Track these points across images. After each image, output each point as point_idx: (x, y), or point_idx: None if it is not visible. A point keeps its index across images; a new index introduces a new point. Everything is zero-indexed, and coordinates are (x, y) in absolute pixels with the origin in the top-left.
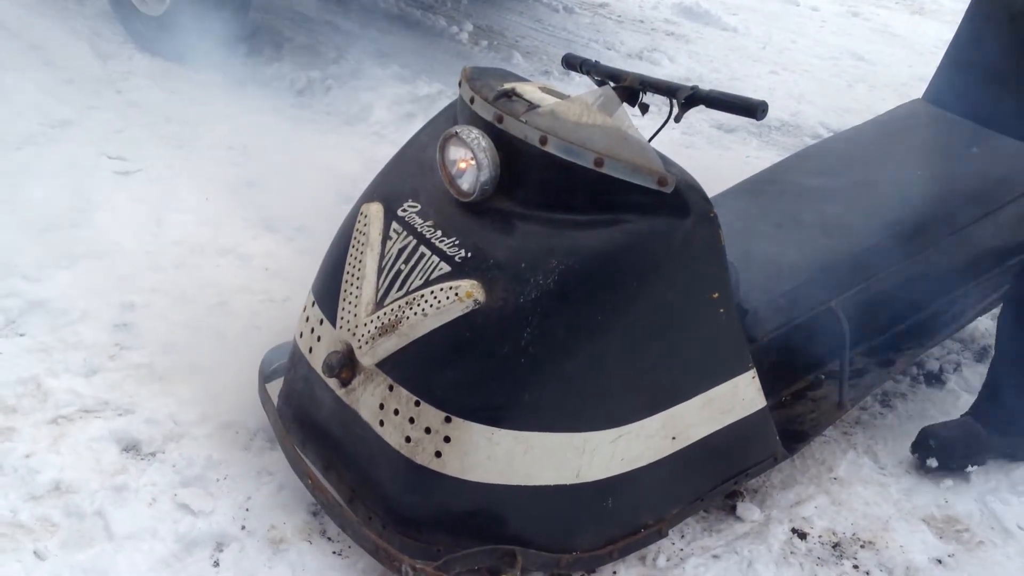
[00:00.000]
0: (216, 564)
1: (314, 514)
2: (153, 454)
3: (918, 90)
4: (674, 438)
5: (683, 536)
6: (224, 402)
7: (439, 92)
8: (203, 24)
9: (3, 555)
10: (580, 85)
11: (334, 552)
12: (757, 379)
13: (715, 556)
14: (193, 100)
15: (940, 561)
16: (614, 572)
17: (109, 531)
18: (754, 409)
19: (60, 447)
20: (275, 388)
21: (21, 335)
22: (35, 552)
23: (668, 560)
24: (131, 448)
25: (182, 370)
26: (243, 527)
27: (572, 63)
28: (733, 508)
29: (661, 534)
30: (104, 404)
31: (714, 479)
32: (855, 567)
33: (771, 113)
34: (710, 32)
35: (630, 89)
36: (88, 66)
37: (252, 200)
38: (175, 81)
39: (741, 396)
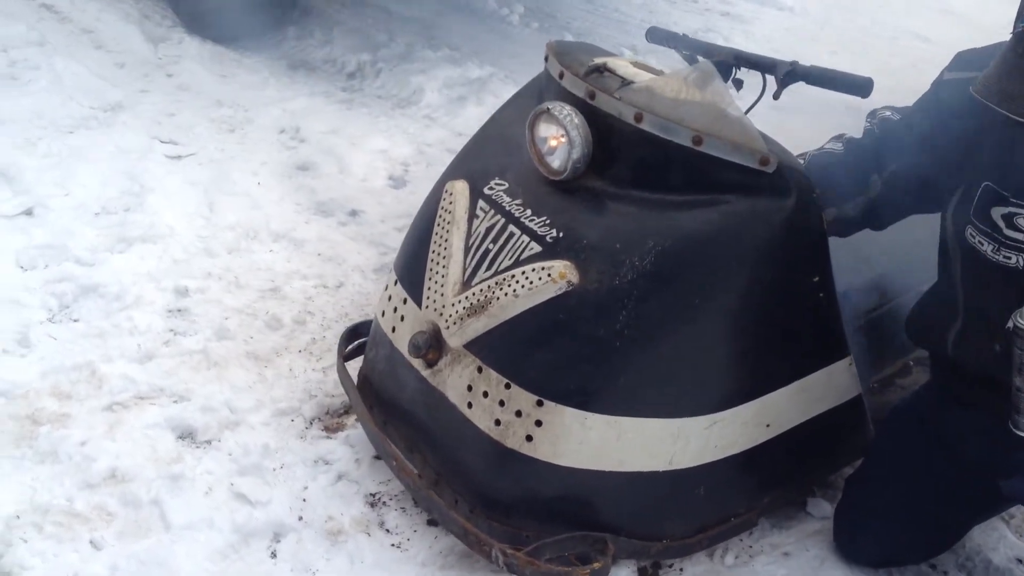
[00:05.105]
0: (273, 555)
1: (372, 505)
2: (209, 442)
3: None
4: (768, 425)
5: (751, 533)
6: (279, 389)
7: (490, 75)
8: (253, 7)
9: (59, 545)
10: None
11: (393, 544)
12: (854, 366)
13: (786, 553)
14: (244, 84)
15: (1021, 561)
16: (680, 570)
17: (166, 521)
18: (849, 396)
19: (115, 434)
20: (354, 368)
21: (75, 320)
22: (91, 542)
23: (736, 558)
24: (187, 436)
25: (237, 356)
26: (300, 518)
27: (657, 37)
28: (803, 504)
29: (752, 523)
30: (159, 391)
31: (807, 468)
32: (932, 567)
33: (832, 95)
34: (766, 12)
35: (723, 64)
36: (139, 49)
37: (304, 184)
38: (225, 64)
39: (836, 383)
